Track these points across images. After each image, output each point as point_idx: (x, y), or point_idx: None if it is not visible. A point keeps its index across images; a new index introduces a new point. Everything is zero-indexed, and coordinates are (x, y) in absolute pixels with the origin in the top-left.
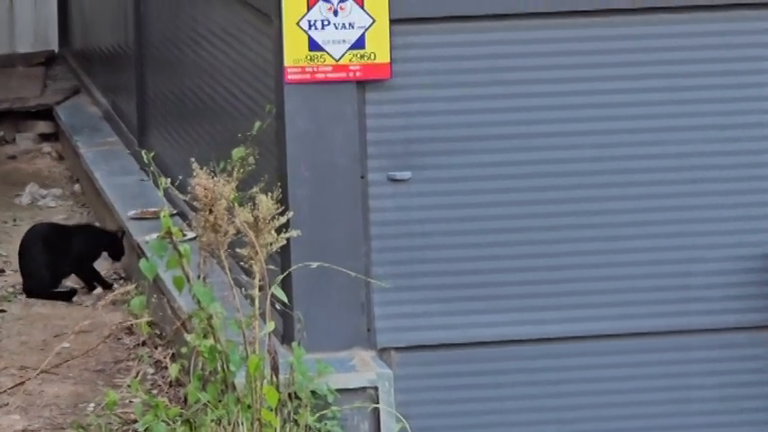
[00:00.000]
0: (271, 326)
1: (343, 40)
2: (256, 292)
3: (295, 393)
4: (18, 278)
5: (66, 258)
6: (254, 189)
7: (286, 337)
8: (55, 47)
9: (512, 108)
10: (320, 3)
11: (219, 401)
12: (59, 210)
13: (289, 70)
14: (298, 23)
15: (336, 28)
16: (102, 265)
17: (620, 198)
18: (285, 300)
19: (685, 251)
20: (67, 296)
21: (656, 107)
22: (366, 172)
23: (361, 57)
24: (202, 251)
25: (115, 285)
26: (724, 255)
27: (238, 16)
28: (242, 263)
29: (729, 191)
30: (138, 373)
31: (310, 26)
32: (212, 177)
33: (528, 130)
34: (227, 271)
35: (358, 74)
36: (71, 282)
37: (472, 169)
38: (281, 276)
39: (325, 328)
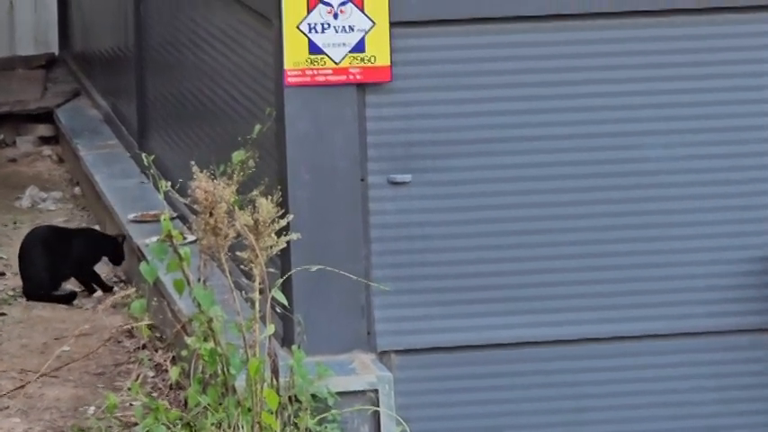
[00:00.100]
0: (271, 329)
1: (344, 43)
2: (256, 295)
3: (295, 396)
4: (18, 281)
5: (65, 261)
6: (255, 192)
7: (286, 340)
8: (55, 50)
9: (513, 111)
10: (320, 6)
11: (220, 404)
12: (59, 213)
13: (289, 73)
14: (298, 26)
15: (336, 31)
16: (103, 268)
17: (623, 201)
18: (285, 303)
19: (687, 254)
20: (68, 299)
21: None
22: (366, 175)
23: (362, 60)
24: (203, 254)
25: (115, 288)
26: (725, 257)
27: (238, 19)
28: (242, 266)
29: (731, 193)
30: (138, 377)
31: (310, 29)
32: (212, 180)
33: (528, 133)
34: (228, 274)
35: (358, 77)
36: (71, 285)
37: (472, 172)
38: (281, 279)
39: (325, 331)
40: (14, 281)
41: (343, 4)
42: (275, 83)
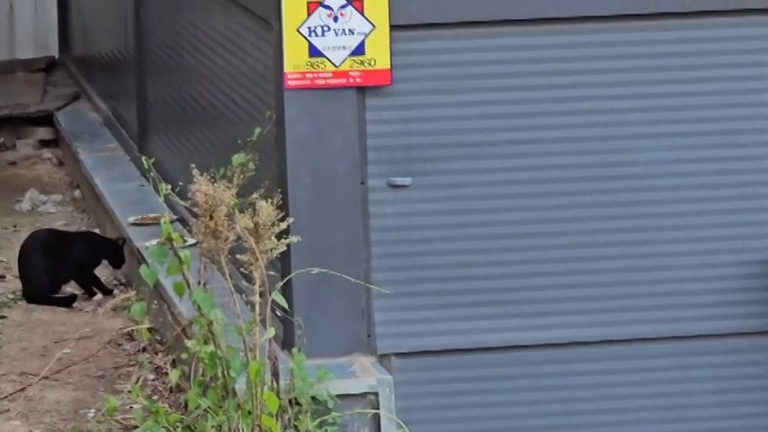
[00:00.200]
0: (271, 332)
1: (344, 47)
2: (257, 298)
3: (295, 399)
4: (18, 284)
5: (65, 264)
6: (255, 195)
7: (286, 342)
8: (55, 53)
9: (512, 114)
10: (320, 9)
11: (220, 407)
12: (60, 216)
13: (289, 76)
14: (298, 29)
15: (336, 34)
16: (102, 271)
17: (622, 204)
18: (285, 306)
19: (687, 257)
20: (68, 302)
21: (657, 113)
22: (366, 178)
23: (362, 63)
24: (203, 257)
25: (115, 291)
26: (725, 260)
27: (238, 22)
28: (242, 269)
29: (730, 196)
30: (138, 379)
31: (310, 32)
32: (212, 183)
33: (528, 136)
34: (228, 277)
35: (358, 80)
36: (71, 287)
37: (472, 175)
38: (281, 282)
39: (325, 334)
40: (14, 284)
41: (343, 7)
42: (275, 86)
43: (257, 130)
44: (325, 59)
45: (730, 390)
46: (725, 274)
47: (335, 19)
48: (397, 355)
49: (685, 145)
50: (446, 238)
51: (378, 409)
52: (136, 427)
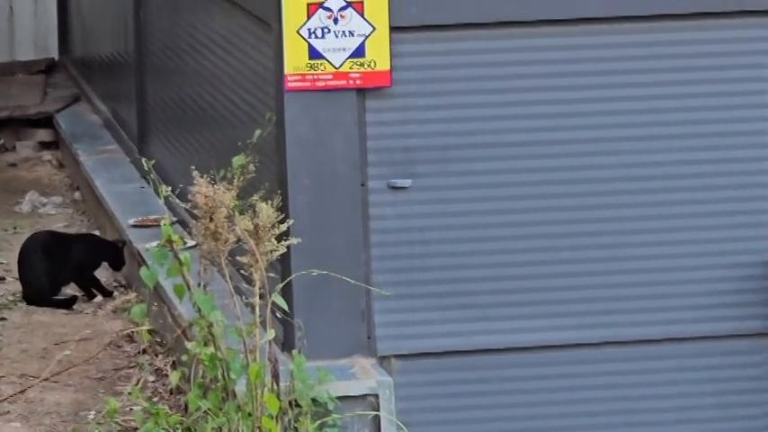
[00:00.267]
0: (271, 334)
1: (344, 48)
2: (257, 300)
3: (296, 401)
4: (18, 286)
5: (65, 266)
6: (255, 197)
7: (286, 344)
8: (55, 55)
9: (512, 116)
10: (320, 11)
11: (220, 409)
12: (60, 217)
13: (289, 78)
14: (298, 31)
15: (336, 36)
16: (102, 273)
17: (621, 206)
18: (285, 307)
19: (685, 258)
20: (68, 304)
21: (658, 115)
22: (366, 179)
23: (362, 64)
24: (203, 259)
25: (115, 293)
26: (724, 262)
27: (238, 24)
28: (242, 271)
29: (730, 198)
30: (138, 381)
31: (310, 34)
32: (212, 185)
33: (529, 138)
34: (228, 279)
35: (358, 81)
36: (71, 289)
37: (472, 177)
38: (281, 284)
39: (325, 336)
40: (14, 286)
41: (343, 9)
42: (275, 88)
43: (257, 132)
44: (325, 61)
45: (728, 392)
46: (724, 276)
47: (335, 21)
48: (398, 356)
49: (685, 147)
50: (446, 239)
51: (378, 410)
52: (136, 428)
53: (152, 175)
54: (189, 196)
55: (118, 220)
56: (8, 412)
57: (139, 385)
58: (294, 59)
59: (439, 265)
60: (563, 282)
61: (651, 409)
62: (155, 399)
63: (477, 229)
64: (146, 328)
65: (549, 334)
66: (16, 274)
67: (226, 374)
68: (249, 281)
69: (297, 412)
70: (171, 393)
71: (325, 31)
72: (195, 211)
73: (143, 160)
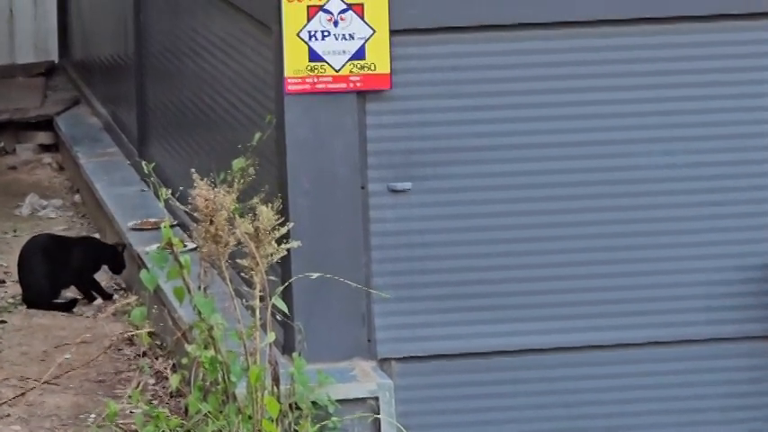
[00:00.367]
0: (271, 336)
1: (344, 51)
2: (257, 303)
3: (296, 404)
4: (18, 289)
5: (65, 269)
6: (255, 200)
7: (287, 347)
8: (55, 57)
9: (512, 119)
10: (320, 13)
11: (220, 412)
12: (60, 220)
13: (289, 81)
14: (298, 34)
15: (337, 39)
16: (102, 275)
17: (621, 208)
18: (286, 310)
19: (686, 261)
20: (68, 307)
21: (657, 117)
22: (366, 182)
23: (362, 67)
24: (203, 262)
25: (115, 296)
26: (724, 265)
27: (238, 27)
28: (243, 273)
29: (729, 201)
30: (138, 384)
31: (310, 37)
32: (213, 188)
33: (529, 141)
34: (228, 282)
35: (358, 84)
36: (71, 292)
37: (472, 180)
38: (281, 287)
39: (325, 339)
40: (14, 288)
41: (343, 11)
42: (275, 90)
43: (257, 135)
44: (325, 64)
45: (729, 395)
46: (724, 279)
47: (336, 23)
48: (398, 359)
49: (686, 149)
50: (446, 242)
51: (378, 413)
52: (136, 431)
53: (152, 178)
54: (189, 199)
55: (118, 223)
56: (8, 415)
57: (139, 388)
58: (294, 62)
59: (439, 267)
60: (563, 284)
61: (650, 411)
62: (155, 402)
63: (477, 232)
64: (146, 331)
65: (548, 337)
66: (16, 277)
67: (226, 377)
68: (249, 284)
69: (297, 415)
70: (171, 396)
71: (326, 33)
72: (195, 214)
73: (143, 163)
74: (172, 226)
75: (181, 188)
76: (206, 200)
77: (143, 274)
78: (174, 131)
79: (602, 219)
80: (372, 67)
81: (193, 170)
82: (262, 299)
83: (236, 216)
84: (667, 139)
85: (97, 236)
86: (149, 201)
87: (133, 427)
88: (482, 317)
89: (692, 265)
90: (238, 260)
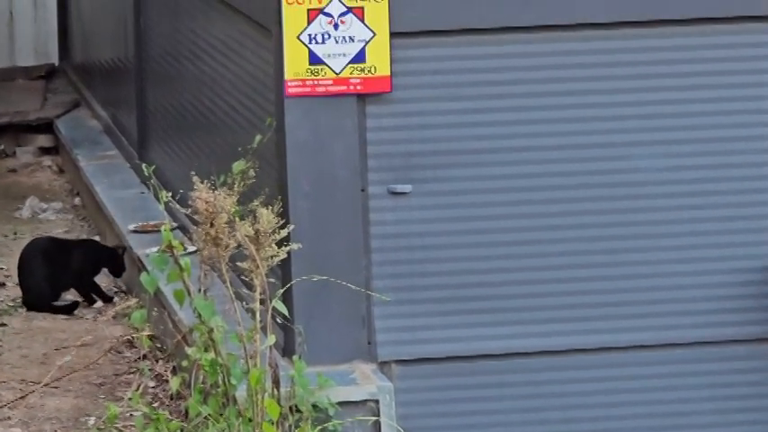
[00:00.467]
0: (272, 339)
1: (344, 54)
2: (257, 306)
3: (296, 406)
4: (18, 292)
5: (66, 272)
6: (255, 202)
7: (287, 350)
8: (55, 60)
9: (512, 121)
10: (321, 16)
11: (220, 415)
12: (60, 223)
13: (289, 83)
14: (298, 37)
15: (337, 41)
16: (103, 278)
17: (621, 211)
18: (286, 313)
19: (685, 264)
20: (68, 309)
21: (657, 120)
22: (366, 185)
23: (362, 70)
24: (203, 265)
25: (116, 299)
26: (723, 267)
27: (238, 30)
28: (243, 276)
29: (729, 203)
30: (138, 387)
31: (311, 39)
32: (213, 191)
33: (529, 143)
34: (228, 284)
35: (358, 87)
36: (71, 295)
37: (473, 182)
38: (281, 290)
39: (325, 341)
40: (14, 291)
41: (343, 14)
42: (275, 93)
43: (257, 138)
44: (325, 67)
45: (727, 397)
46: (723, 281)
47: (336, 26)
48: (398, 362)
49: (685, 152)
50: (446, 245)
51: (378, 416)
52: None
53: (152, 181)
54: (189, 202)
55: (118, 226)
56: (9, 418)
57: (140, 391)
58: (294, 65)
59: (439, 270)
60: (562, 287)
61: (649, 414)
62: (155, 404)
63: (477, 235)
64: (146, 333)
65: (549, 339)
66: (16, 280)
67: (226, 380)
68: (250, 286)
69: (297, 418)
70: (171, 399)
71: (326, 36)
72: (195, 217)
73: (143, 166)
74: (172, 229)
75: (181, 191)
76: (206, 202)
77: (143, 276)
78: (174, 134)
79: (601, 222)
80: (372, 70)
81: (193, 173)
82: (262, 301)
83: (237, 219)
84: (662, 142)
85: (97, 238)
86: (149, 203)
87: (133, 429)
88: (483, 319)
89: (690, 268)
90: (239, 263)
